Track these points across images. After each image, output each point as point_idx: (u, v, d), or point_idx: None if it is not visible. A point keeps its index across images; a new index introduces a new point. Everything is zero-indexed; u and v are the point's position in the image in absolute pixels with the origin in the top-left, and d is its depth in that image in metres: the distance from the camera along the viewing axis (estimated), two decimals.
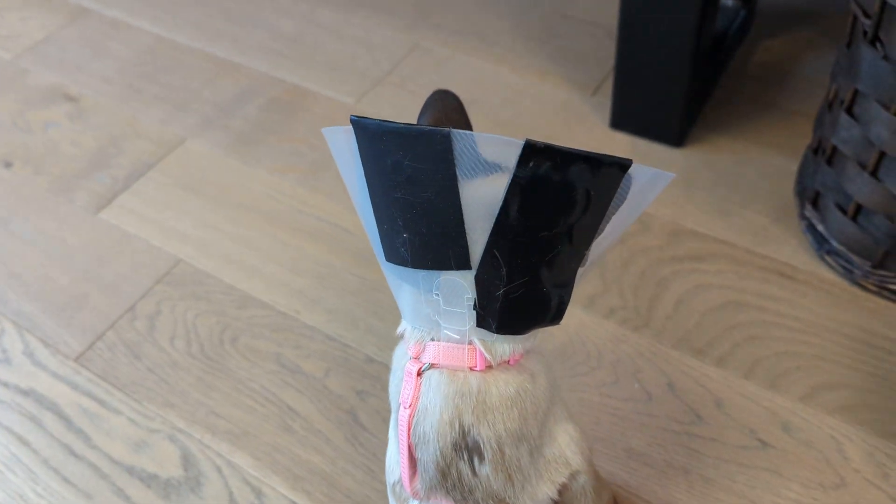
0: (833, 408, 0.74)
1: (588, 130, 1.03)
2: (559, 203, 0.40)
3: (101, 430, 0.76)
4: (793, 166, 0.95)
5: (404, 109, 1.06)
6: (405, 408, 0.47)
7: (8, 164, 1.05)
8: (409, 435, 0.47)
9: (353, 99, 1.11)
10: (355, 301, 0.86)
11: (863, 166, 0.75)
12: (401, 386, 0.48)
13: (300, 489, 0.71)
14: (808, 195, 0.86)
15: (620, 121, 1.02)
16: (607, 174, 0.40)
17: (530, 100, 1.08)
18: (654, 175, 0.42)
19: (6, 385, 0.81)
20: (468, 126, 0.58)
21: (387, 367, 0.79)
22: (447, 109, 0.53)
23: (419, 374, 0.46)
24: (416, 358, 0.47)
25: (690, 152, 0.99)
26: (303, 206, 0.97)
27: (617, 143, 1.00)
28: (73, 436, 0.76)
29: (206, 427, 0.76)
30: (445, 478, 0.46)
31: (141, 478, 0.73)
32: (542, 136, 1.12)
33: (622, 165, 0.40)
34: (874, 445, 0.71)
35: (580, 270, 0.45)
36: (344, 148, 0.44)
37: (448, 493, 0.47)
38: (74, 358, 0.82)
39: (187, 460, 0.74)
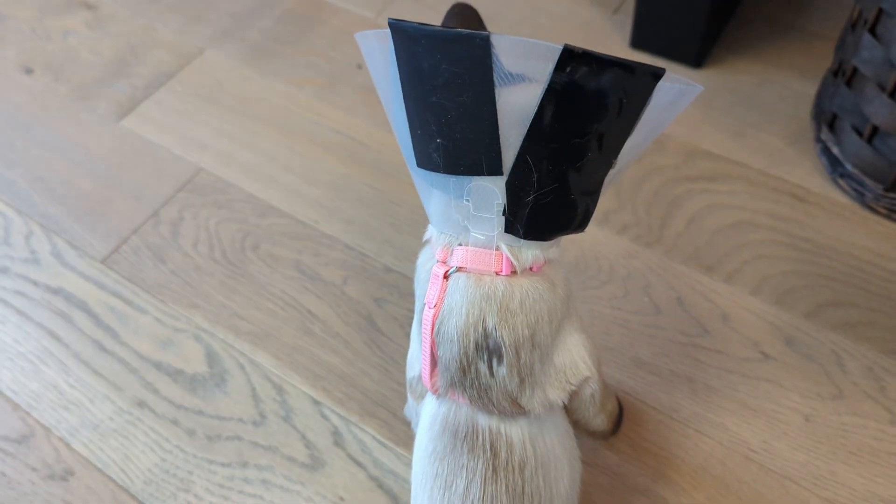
0: (836, 324, 0.76)
1: (608, 50, 1.01)
2: (593, 109, 0.41)
3: (129, 328, 0.79)
4: (811, 90, 0.95)
5: None
6: (430, 307, 0.48)
7: (29, 71, 1.06)
8: (432, 333, 0.49)
9: (373, 13, 1.10)
10: (371, 212, 0.88)
11: (882, 88, 0.75)
12: (426, 288, 0.49)
13: (320, 387, 0.74)
14: (826, 118, 0.87)
15: (641, 40, 1.01)
16: (641, 82, 0.40)
17: (549, 17, 1.07)
18: (683, 86, 0.42)
19: (36, 284, 0.83)
20: None
21: (404, 277, 0.82)
22: (468, 21, 0.53)
23: (446, 276, 0.48)
24: (443, 261, 0.48)
25: (709, 73, 0.99)
26: (319, 118, 0.97)
27: None
28: (102, 332, 0.79)
29: (228, 328, 0.79)
30: (465, 375, 0.48)
31: (168, 373, 0.76)
32: None
33: (656, 74, 0.40)
34: (874, 361, 0.74)
35: (606, 179, 0.46)
36: (376, 52, 0.44)
37: (465, 390, 0.49)
38: (101, 260, 0.85)
39: (211, 358, 0.77)
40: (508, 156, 0.42)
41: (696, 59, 0.98)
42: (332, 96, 1.00)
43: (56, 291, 0.83)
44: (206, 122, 0.98)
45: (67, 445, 0.72)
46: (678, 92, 0.42)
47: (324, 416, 0.73)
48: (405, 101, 0.44)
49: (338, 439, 0.71)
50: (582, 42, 1.03)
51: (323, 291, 0.81)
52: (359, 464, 0.70)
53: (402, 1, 1.11)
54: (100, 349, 0.78)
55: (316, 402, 0.74)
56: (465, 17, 0.53)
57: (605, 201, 0.87)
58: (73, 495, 0.69)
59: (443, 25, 0.57)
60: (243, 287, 0.82)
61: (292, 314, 0.80)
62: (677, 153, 0.91)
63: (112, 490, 0.69)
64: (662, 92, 0.42)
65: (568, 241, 0.84)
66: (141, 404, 0.74)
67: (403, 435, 0.71)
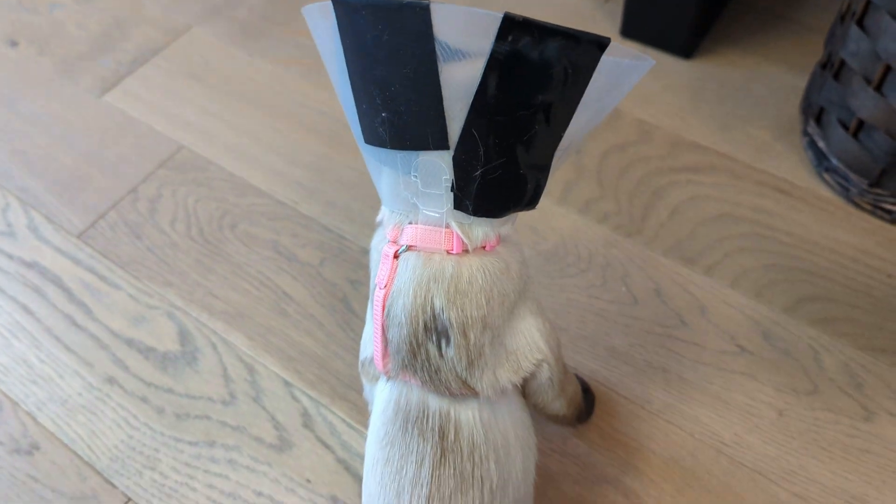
0: (815, 319, 0.75)
1: None
2: (537, 80, 0.40)
3: (102, 304, 0.79)
4: (801, 83, 0.94)
5: None
6: (380, 288, 0.47)
7: (13, 44, 1.05)
8: (383, 314, 0.48)
9: None
10: (352, 195, 0.87)
11: (868, 81, 0.74)
12: (378, 268, 0.48)
13: (292, 369, 0.74)
14: (813, 111, 0.86)
15: (631, 30, 1.00)
16: (585, 52, 0.39)
17: (539, 4, 1.06)
18: (634, 59, 0.41)
19: (10, 257, 0.83)
20: None
21: None
22: None
23: (395, 256, 0.47)
24: (394, 241, 0.47)
25: (699, 64, 0.98)
26: (304, 99, 0.96)
27: None
28: (74, 307, 0.78)
29: (202, 306, 0.78)
30: (415, 357, 0.48)
31: (139, 350, 0.75)
32: None
33: (600, 44, 0.39)
34: (851, 357, 0.73)
35: (557, 154, 0.45)
36: (323, 27, 0.43)
37: (416, 372, 0.48)
38: (77, 234, 0.84)
39: (184, 336, 0.76)
40: (454, 129, 0.41)
41: (686, 49, 0.97)
42: (319, 77, 0.99)
43: (31, 265, 0.82)
44: (191, 99, 0.97)
45: (34, 420, 0.72)
46: (628, 65, 0.41)
47: (294, 398, 0.72)
48: (350, 76, 0.43)
49: (307, 421, 0.71)
50: None
51: (299, 272, 0.80)
52: (327, 446, 0.69)
53: None
54: (72, 324, 0.77)
55: (287, 384, 0.73)
56: None
57: (587, 189, 0.86)
58: (37, 470, 0.69)
59: None
60: (219, 266, 0.81)
61: (267, 294, 0.79)
62: (663, 143, 0.90)
63: (77, 465, 0.69)
64: (610, 65, 0.41)
65: (547, 227, 0.83)
66: (111, 381, 0.74)
67: None
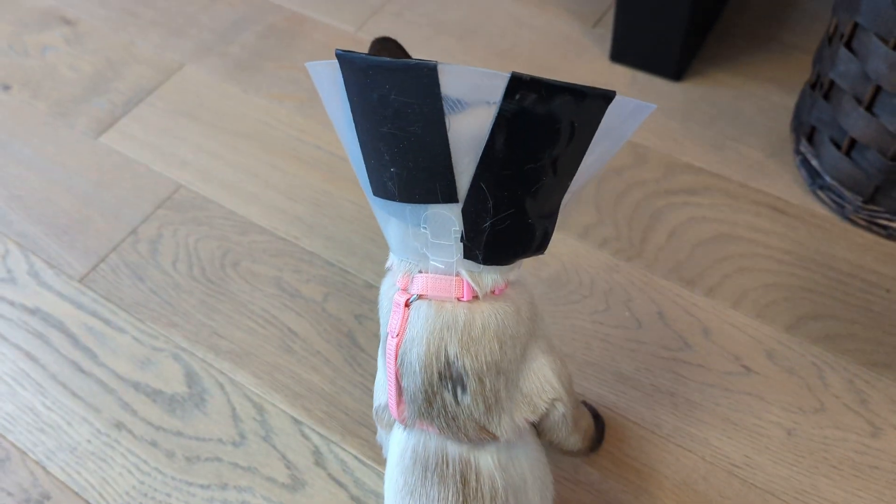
0: (817, 337, 0.76)
1: (588, 63, 1.02)
2: (544, 135, 0.41)
3: (107, 348, 0.78)
4: (790, 102, 0.96)
5: (402, 39, 1.05)
6: (392, 337, 0.48)
7: (6, 88, 1.05)
8: (396, 363, 0.48)
9: (353, 27, 1.10)
10: (353, 228, 0.87)
11: (859, 101, 0.75)
12: (389, 316, 0.49)
13: (300, 406, 0.74)
14: (804, 130, 0.87)
15: (621, 53, 1.01)
16: (591, 106, 0.40)
17: (530, 30, 1.07)
18: (637, 106, 0.42)
19: (12, 304, 0.82)
20: None
21: None
22: (393, 55, 0.53)
23: (407, 304, 0.47)
24: (404, 289, 0.48)
25: (689, 86, 0.99)
26: (300, 134, 0.97)
27: (616, 76, 1.00)
28: (79, 353, 0.78)
29: (208, 347, 0.78)
30: (431, 405, 0.48)
31: (146, 393, 0.75)
32: (540, 68, 1.09)
33: (606, 97, 0.40)
34: (855, 374, 0.74)
35: (563, 200, 0.46)
36: (328, 82, 0.44)
37: (433, 420, 0.48)
38: (79, 279, 0.84)
39: (191, 378, 0.76)
40: (463, 183, 0.42)
41: (675, 72, 0.99)
42: (313, 112, 0.99)
43: (33, 311, 0.82)
44: (186, 138, 0.98)
45: (44, 469, 0.71)
46: (631, 111, 0.42)
47: (304, 436, 0.72)
48: (357, 131, 0.43)
49: (318, 459, 0.71)
50: (562, 56, 1.03)
51: (303, 308, 0.81)
52: (340, 484, 0.69)
53: (382, 17, 1.11)
54: (77, 370, 0.77)
55: (296, 422, 0.73)
56: (389, 51, 0.53)
57: (585, 215, 0.87)
58: None
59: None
60: (223, 305, 0.81)
61: (272, 332, 0.79)
62: (658, 166, 0.91)
63: None
64: (615, 112, 0.41)
65: (548, 254, 0.84)
66: (119, 426, 0.73)
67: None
